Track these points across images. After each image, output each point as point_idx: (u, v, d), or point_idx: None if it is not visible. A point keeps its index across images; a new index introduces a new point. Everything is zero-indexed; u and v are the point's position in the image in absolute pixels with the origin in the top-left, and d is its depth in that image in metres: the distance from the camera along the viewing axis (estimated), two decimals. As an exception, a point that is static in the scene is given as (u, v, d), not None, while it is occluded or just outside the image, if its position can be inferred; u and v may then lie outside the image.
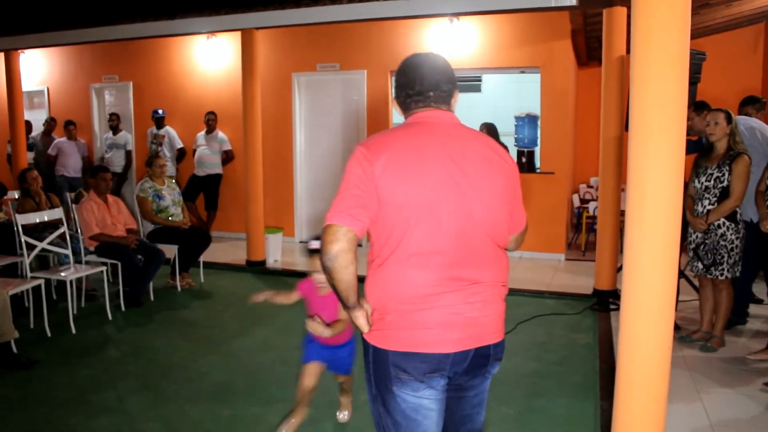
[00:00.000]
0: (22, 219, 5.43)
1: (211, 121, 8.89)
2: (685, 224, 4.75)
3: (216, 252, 8.07)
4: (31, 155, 10.01)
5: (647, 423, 2.53)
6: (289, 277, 7.19)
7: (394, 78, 2.10)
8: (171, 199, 6.74)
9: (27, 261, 5.31)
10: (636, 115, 2.37)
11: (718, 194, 4.59)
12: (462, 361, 1.98)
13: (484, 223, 1.96)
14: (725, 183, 4.55)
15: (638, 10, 2.30)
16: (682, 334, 5.02)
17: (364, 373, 2.09)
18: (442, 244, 1.90)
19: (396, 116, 8.87)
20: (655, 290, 2.43)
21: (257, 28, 7.14)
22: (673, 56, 2.28)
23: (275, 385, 4.23)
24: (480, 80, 10.88)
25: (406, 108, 2.08)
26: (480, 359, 2.01)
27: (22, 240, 5.27)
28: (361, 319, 1.96)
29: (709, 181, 4.63)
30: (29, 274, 5.32)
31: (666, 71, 2.28)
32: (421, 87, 2.04)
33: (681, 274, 5.63)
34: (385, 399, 1.99)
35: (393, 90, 2.09)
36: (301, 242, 8.90)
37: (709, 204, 4.63)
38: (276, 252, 7.78)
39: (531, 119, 7.99)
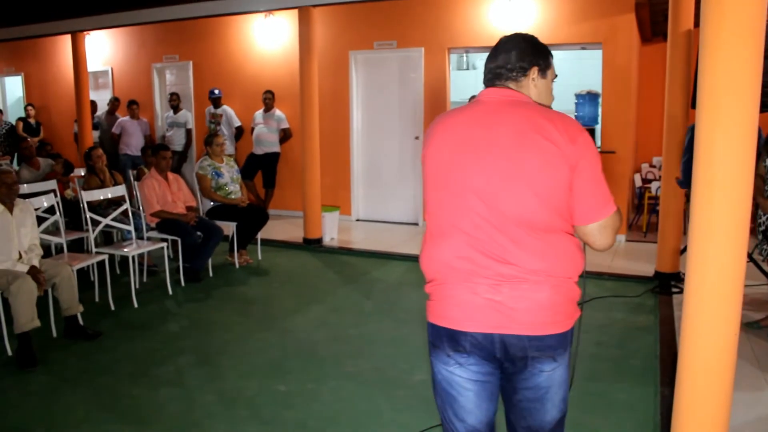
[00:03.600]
0: (87, 196, 5.59)
1: (268, 100, 8.95)
2: (755, 206, 4.57)
3: (273, 230, 8.17)
4: (95, 134, 10.31)
5: (710, 412, 2.44)
6: (346, 255, 7.23)
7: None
8: (229, 177, 6.83)
9: (92, 236, 5.47)
10: (705, 92, 2.25)
11: (790, 174, 4.38)
12: (489, 344, 1.91)
13: (513, 208, 1.84)
14: (799, 162, 4.34)
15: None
16: (749, 320, 4.84)
17: None
18: (466, 224, 1.89)
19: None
20: (722, 275, 2.32)
21: (314, 6, 7.12)
22: (745, 28, 2.15)
23: (329, 363, 4.26)
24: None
25: (484, 82, 2.11)
26: (515, 349, 1.91)
27: (87, 216, 5.44)
28: None
29: (782, 160, 4.42)
30: (94, 250, 5.49)
31: (738, 45, 2.15)
32: (490, 66, 2.05)
33: (749, 257, 5.41)
34: (432, 365, 2.07)
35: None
36: (357, 220, 8.93)
37: (781, 185, 4.43)
38: (332, 230, 7.82)
39: (591, 97, 7.78)
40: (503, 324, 1.88)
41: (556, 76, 2.11)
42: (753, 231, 4.68)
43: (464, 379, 1.97)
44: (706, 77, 2.25)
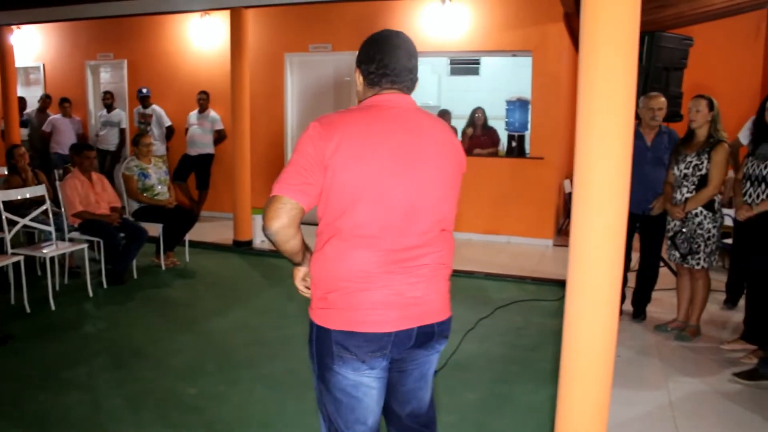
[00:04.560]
0: (3, 195, 5.44)
1: (203, 101, 8.86)
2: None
3: (205, 231, 8.09)
4: (25, 132, 10.02)
5: (590, 411, 2.52)
6: (275, 257, 7.20)
7: (365, 49, 2.03)
8: (157, 178, 6.74)
9: (8, 237, 5.33)
10: (583, 99, 2.34)
11: (696, 182, 4.54)
12: (406, 340, 2.01)
13: (433, 208, 2.00)
14: (704, 171, 4.50)
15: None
16: (659, 323, 5.00)
17: (308, 351, 2.10)
18: (386, 227, 1.93)
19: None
20: (600, 276, 2.41)
21: (247, 7, 7.09)
22: (619, 39, 2.25)
23: (244, 365, 4.24)
24: (478, 63, 10.78)
25: (372, 84, 2.04)
26: (423, 337, 2.05)
27: (3, 216, 5.30)
28: (297, 275, 2.15)
29: (688, 168, 4.58)
30: (10, 250, 5.34)
31: (613, 55, 2.25)
32: (397, 68, 2.01)
33: (664, 262, 5.59)
34: (326, 376, 2.02)
35: (359, 63, 1.98)
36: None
37: (688, 192, 4.59)
38: (263, 232, 7.76)
39: (522, 103, 7.92)
40: (420, 317, 2.01)
41: None
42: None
43: (372, 378, 2.02)
44: (582, 87, 2.33)
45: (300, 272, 2.14)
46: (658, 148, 4.94)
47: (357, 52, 2.07)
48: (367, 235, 1.92)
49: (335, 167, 1.88)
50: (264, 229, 1.92)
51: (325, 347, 1.99)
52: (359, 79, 2.07)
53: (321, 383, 2.06)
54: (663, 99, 4.93)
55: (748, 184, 4.39)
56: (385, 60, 2.00)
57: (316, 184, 1.89)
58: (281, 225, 1.88)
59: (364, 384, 2.02)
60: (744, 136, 5.52)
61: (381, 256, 1.93)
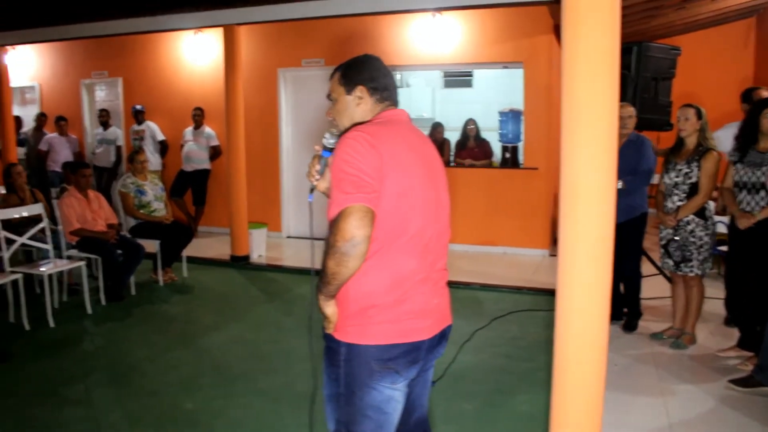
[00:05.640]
0: (1, 214, 5.47)
1: (197, 117, 8.91)
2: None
3: (202, 247, 8.12)
4: (22, 151, 10.07)
5: (583, 418, 2.54)
6: (272, 272, 7.23)
7: (363, 69, 2.12)
8: (153, 195, 6.77)
9: (6, 255, 5.36)
10: (567, 110, 2.39)
11: (687, 190, 4.58)
12: (432, 346, 2.08)
13: (445, 213, 2.13)
14: (694, 179, 4.55)
15: (567, 4, 2.32)
16: (654, 332, 5.02)
17: (326, 374, 2.09)
18: (427, 234, 2.01)
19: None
20: (588, 284, 2.46)
21: (239, 24, 7.16)
22: (600, 50, 2.30)
23: (241, 379, 4.26)
24: (471, 75, 10.87)
25: (380, 100, 2.12)
26: (436, 341, 2.11)
27: (1, 235, 5.33)
28: (332, 308, 2.00)
29: (679, 177, 4.63)
30: (8, 269, 5.37)
31: (594, 65, 2.31)
32: (392, 84, 2.16)
33: (658, 269, 5.63)
34: (358, 395, 2.01)
35: (363, 81, 2.03)
36: (288, 237, 8.94)
37: (679, 200, 4.63)
38: (260, 247, 7.81)
39: (515, 115, 7.99)
40: (440, 321, 2.10)
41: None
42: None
43: (400, 392, 2.07)
44: (566, 96, 2.39)
45: (334, 305, 2.01)
46: (626, 155, 4.92)
47: (343, 73, 2.14)
48: (415, 245, 1.98)
49: (388, 176, 1.90)
50: (343, 241, 1.80)
51: (361, 365, 1.98)
52: (365, 95, 2.10)
53: (349, 404, 2.03)
54: (632, 108, 5.02)
55: (744, 192, 4.39)
56: (386, 80, 2.13)
57: (378, 194, 1.87)
58: (366, 234, 1.82)
59: (394, 398, 2.05)
60: (725, 145, 5.39)
61: (422, 265, 2.00)
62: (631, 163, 4.90)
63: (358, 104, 2.11)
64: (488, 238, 7.97)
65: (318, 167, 2.13)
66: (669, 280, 5.43)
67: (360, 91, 2.10)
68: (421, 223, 1.98)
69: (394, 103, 2.16)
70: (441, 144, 8.48)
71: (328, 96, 2.18)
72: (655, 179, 5.10)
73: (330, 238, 1.85)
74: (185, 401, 3.92)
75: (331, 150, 2.09)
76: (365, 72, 2.11)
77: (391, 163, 1.91)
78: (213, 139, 9.02)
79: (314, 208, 2.24)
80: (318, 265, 2.05)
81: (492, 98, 10.29)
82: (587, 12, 2.28)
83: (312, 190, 2.19)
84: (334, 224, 1.84)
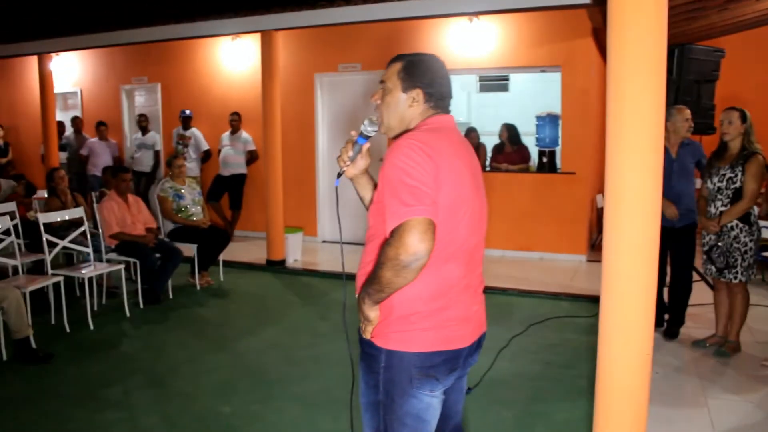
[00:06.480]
0: (44, 218, 5.58)
1: (235, 122, 9.00)
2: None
3: (238, 251, 8.18)
4: (64, 155, 10.28)
5: (627, 428, 2.48)
6: (308, 276, 7.25)
7: (424, 70, 2.03)
8: (191, 199, 6.85)
9: (48, 258, 5.46)
10: (612, 114, 2.33)
11: (731, 195, 4.47)
12: (470, 354, 2.07)
13: (486, 220, 2.11)
14: (738, 184, 4.43)
15: (612, 7, 2.27)
16: (696, 339, 4.91)
17: (364, 381, 2.07)
18: (472, 242, 2.00)
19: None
20: (633, 291, 2.39)
21: (276, 30, 7.21)
22: (646, 53, 2.24)
23: (277, 384, 4.27)
24: (507, 79, 10.79)
25: (434, 106, 2.05)
26: (475, 348, 2.10)
27: (44, 238, 5.43)
28: (376, 312, 1.95)
29: (722, 181, 4.52)
30: (50, 271, 5.47)
31: (641, 69, 2.25)
32: (448, 92, 2.08)
33: (700, 276, 5.51)
34: (398, 403, 1.98)
35: (423, 84, 2.02)
36: (323, 242, 8.97)
37: (722, 205, 4.52)
38: (296, 251, 7.84)
39: (552, 119, 7.89)
40: (478, 329, 2.08)
41: None
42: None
43: (438, 400, 2.05)
44: (612, 101, 2.33)
45: (378, 309, 1.97)
46: (684, 159, 4.89)
47: (405, 67, 2.04)
48: (462, 253, 1.96)
49: (441, 188, 1.87)
50: (406, 254, 1.76)
51: (402, 372, 1.96)
52: (420, 99, 2.04)
53: (388, 412, 2.00)
54: (688, 111, 4.92)
55: None
56: (443, 88, 2.06)
57: (437, 204, 1.84)
58: (429, 249, 1.78)
59: (432, 406, 2.03)
60: None
61: (466, 272, 1.99)
62: (687, 165, 4.86)
63: (411, 106, 2.04)
64: (525, 243, 7.89)
65: (350, 153, 2.08)
66: (711, 286, 5.30)
67: (416, 93, 2.03)
68: (468, 231, 1.97)
69: (446, 110, 2.09)
70: (476, 148, 8.43)
71: (382, 82, 2.10)
72: (697, 184, 5.00)
73: (389, 250, 1.80)
74: (222, 405, 3.94)
75: (367, 138, 2.06)
76: (427, 75, 2.03)
77: (446, 172, 1.87)
78: (250, 144, 9.10)
79: (348, 213, 2.23)
80: (349, 269, 2.03)
81: (529, 102, 10.19)
82: (633, 14, 2.22)
83: (340, 175, 2.14)
84: (395, 236, 1.79)
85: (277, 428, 3.66)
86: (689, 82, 5.48)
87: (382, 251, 1.84)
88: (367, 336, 2.01)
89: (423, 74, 2.03)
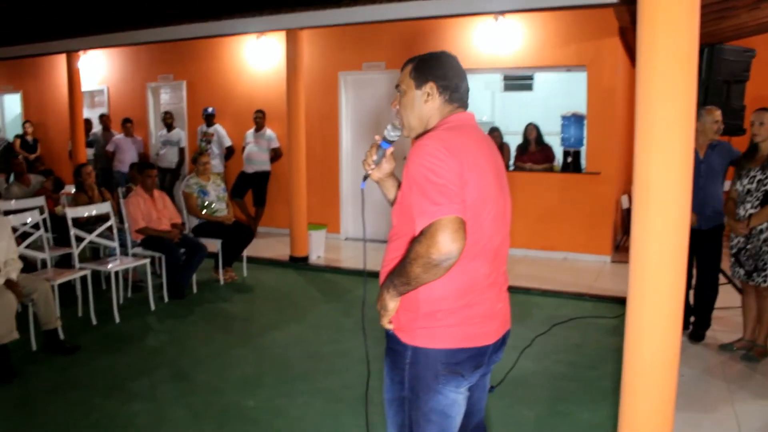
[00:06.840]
0: (72, 212, 5.66)
1: (259, 119, 9.05)
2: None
3: (262, 247, 8.23)
4: (91, 151, 10.43)
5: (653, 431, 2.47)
6: (331, 273, 7.28)
7: (438, 66, 2.04)
8: (216, 195, 6.91)
9: (76, 252, 5.55)
10: (641, 114, 2.32)
11: (761, 197, 4.41)
12: (495, 351, 2.07)
13: (510, 218, 2.11)
14: (768, 186, 4.38)
15: (643, 6, 2.26)
16: (723, 342, 4.85)
17: (389, 377, 2.08)
18: (497, 240, 2.00)
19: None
20: (661, 293, 2.37)
21: (301, 28, 7.24)
22: (678, 52, 2.22)
23: (301, 379, 4.30)
24: (532, 79, 10.73)
25: (450, 101, 2.06)
26: (499, 346, 2.10)
27: (72, 233, 5.51)
28: (396, 303, 1.96)
29: (752, 183, 4.46)
30: (77, 265, 5.55)
31: (671, 69, 2.23)
32: (465, 89, 2.08)
33: (728, 279, 5.44)
34: (423, 399, 1.99)
35: (435, 78, 2.04)
36: (346, 239, 9.00)
37: (752, 207, 4.46)
38: (319, 248, 7.87)
39: (577, 119, 7.83)
40: (502, 326, 2.09)
41: None
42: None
43: (463, 396, 2.06)
44: (641, 101, 2.32)
45: (398, 301, 1.98)
46: (712, 161, 4.83)
47: (416, 66, 2.07)
48: (488, 251, 1.97)
49: (467, 186, 1.87)
50: (438, 254, 1.77)
51: (428, 368, 1.96)
52: (434, 92, 2.05)
53: (413, 408, 2.01)
54: (719, 112, 4.85)
55: None
56: (458, 80, 2.06)
57: (464, 202, 1.85)
58: (461, 248, 1.78)
59: (457, 402, 2.04)
60: None
61: (491, 269, 1.99)
62: (716, 166, 4.80)
63: (426, 101, 2.05)
64: (548, 243, 7.84)
65: (375, 157, 2.12)
66: (739, 290, 5.24)
67: (430, 87, 2.04)
68: (493, 228, 1.97)
69: (464, 105, 2.09)
70: (499, 148, 8.36)
71: (397, 86, 2.13)
72: (726, 186, 4.94)
73: (420, 247, 1.79)
74: (246, 399, 3.97)
75: (391, 142, 2.10)
76: (438, 69, 2.05)
77: (470, 170, 1.87)
78: (274, 141, 9.14)
79: (371, 211, 2.24)
80: (371, 267, 2.04)
81: (553, 102, 10.11)
82: (664, 13, 2.21)
83: (365, 177, 2.17)
84: (426, 235, 1.79)
85: (301, 423, 3.69)
86: (718, 82, 5.41)
87: (411, 247, 1.84)
88: (385, 325, 2.02)
89: (434, 69, 2.05)
